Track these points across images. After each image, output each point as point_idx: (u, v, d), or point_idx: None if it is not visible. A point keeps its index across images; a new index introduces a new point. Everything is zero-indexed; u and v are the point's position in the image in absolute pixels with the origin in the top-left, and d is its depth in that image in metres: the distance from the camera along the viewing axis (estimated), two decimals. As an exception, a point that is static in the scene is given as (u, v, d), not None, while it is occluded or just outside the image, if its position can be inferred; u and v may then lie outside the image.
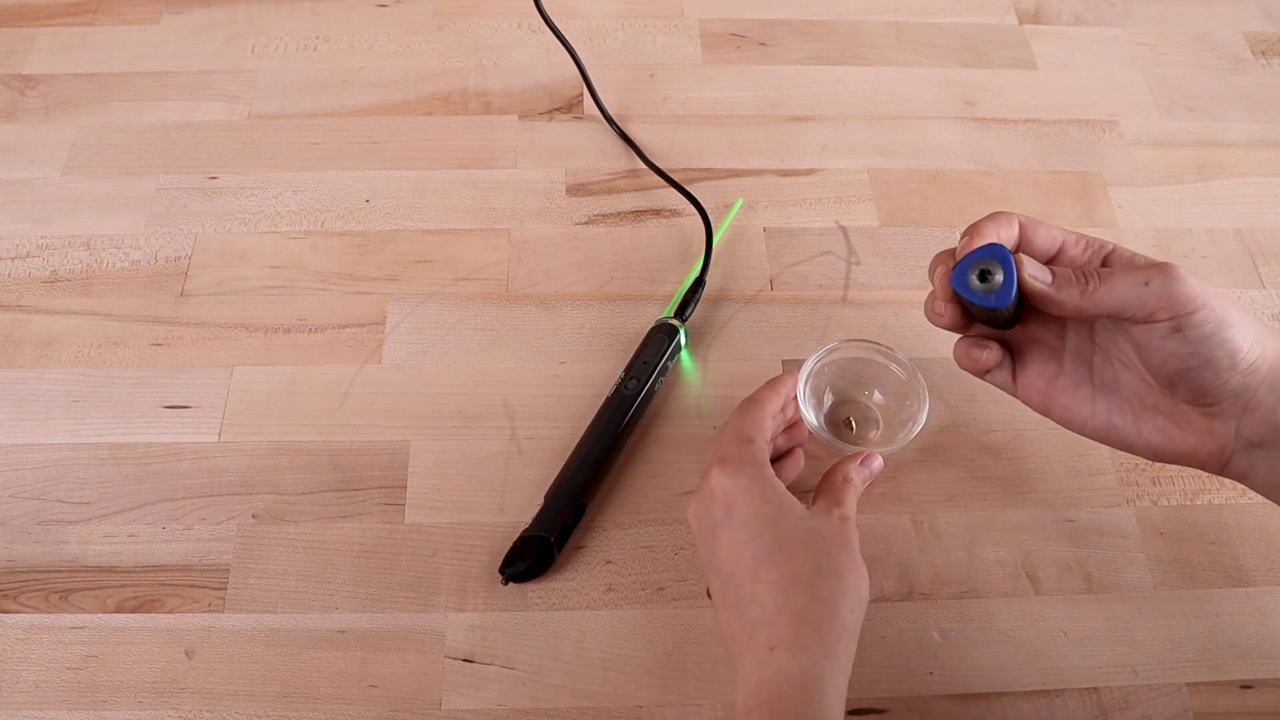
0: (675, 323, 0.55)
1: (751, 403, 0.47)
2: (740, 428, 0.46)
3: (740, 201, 0.63)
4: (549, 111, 0.67)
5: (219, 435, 0.53)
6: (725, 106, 0.68)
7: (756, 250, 0.61)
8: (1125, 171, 0.66)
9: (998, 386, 0.46)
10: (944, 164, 0.66)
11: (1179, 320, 0.39)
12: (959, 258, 0.41)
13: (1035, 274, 0.41)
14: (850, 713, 0.46)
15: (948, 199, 0.64)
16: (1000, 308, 0.41)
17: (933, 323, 0.44)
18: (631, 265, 0.60)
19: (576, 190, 0.63)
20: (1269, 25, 0.75)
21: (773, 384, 0.49)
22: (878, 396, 0.54)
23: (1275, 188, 0.65)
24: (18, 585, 0.48)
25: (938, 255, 0.43)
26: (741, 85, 0.69)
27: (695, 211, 0.61)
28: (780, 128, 0.67)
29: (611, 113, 0.66)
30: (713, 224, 0.60)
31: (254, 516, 0.51)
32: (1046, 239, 0.43)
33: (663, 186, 0.63)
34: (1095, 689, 0.47)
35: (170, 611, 0.48)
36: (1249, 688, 0.47)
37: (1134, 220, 0.63)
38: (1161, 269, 0.39)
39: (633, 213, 0.62)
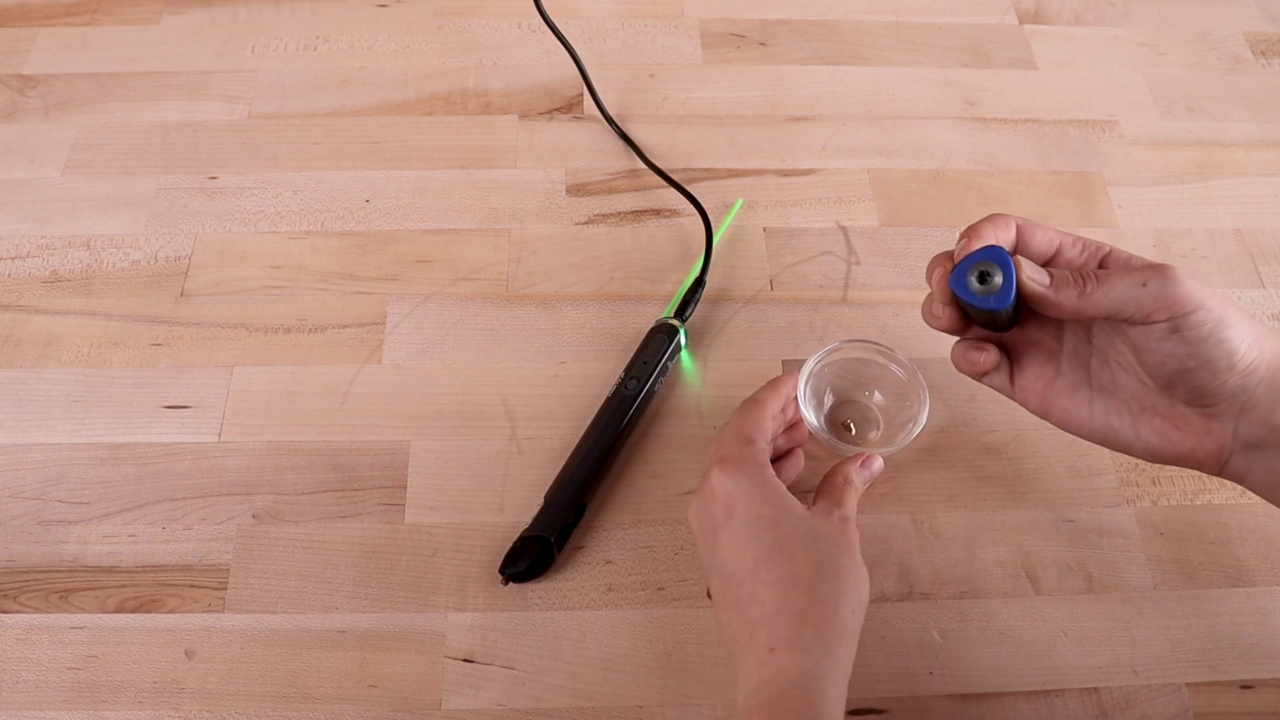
0: (675, 323, 0.55)
1: (752, 403, 0.47)
2: (741, 428, 0.46)
3: (740, 201, 0.63)
4: (549, 111, 0.67)
5: (219, 435, 0.53)
6: (725, 106, 0.68)
7: (756, 250, 0.61)
8: (1125, 171, 0.66)
9: (995, 389, 0.46)
10: (944, 164, 0.66)
11: (1176, 321, 0.39)
12: (957, 260, 0.41)
13: (1033, 276, 0.41)
14: (850, 713, 0.46)
15: (948, 199, 0.64)
16: (998, 310, 0.41)
17: (930, 324, 0.44)
18: (631, 265, 0.60)
19: (576, 190, 0.63)
20: (1269, 25, 0.75)
21: (773, 384, 0.49)
22: (878, 397, 0.54)
23: (1275, 188, 0.65)
24: (18, 585, 0.48)
25: (936, 257, 0.43)
26: (741, 85, 0.69)
27: (695, 211, 0.61)
28: (780, 128, 0.67)
29: (611, 113, 0.66)
30: (713, 224, 0.60)
31: (254, 516, 0.51)
32: (1043, 241, 0.43)
33: (663, 186, 0.63)
34: (1095, 689, 0.47)
35: (170, 611, 0.48)
36: (1249, 688, 0.47)
37: (1134, 220, 0.63)
38: (1158, 270, 0.39)
39: (633, 213, 0.62)
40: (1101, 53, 0.73)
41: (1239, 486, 0.43)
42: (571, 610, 0.48)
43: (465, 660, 0.47)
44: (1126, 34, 0.74)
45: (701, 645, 0.48)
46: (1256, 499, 0.51)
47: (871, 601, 0.45)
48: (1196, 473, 0.52)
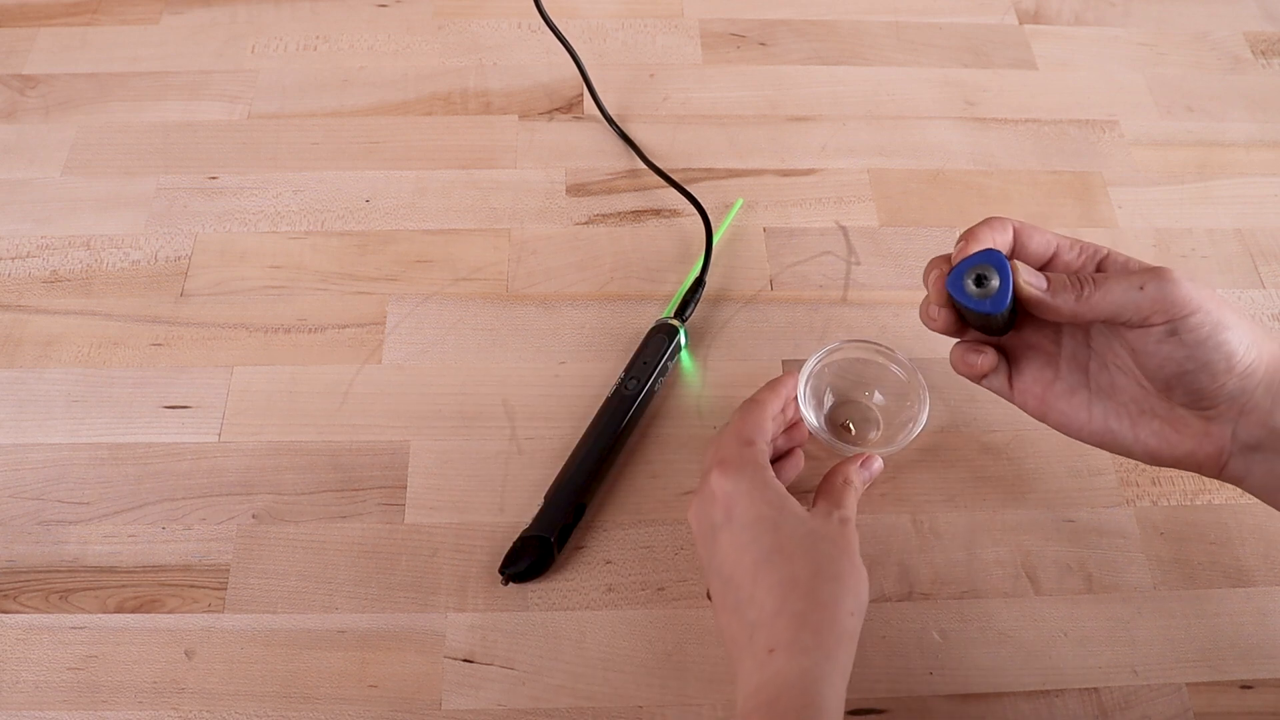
0: (675, 323, 0.55)
1: (752, 404, 0.47)
2: (740, 430, 0.46)
3: (740, 201, 0.63)
4: (549, 111, 0.67)
5: (219, 435, 0.53)
6: (725, 106, 0.68)
7: (756, 250, 0.61)
8: (1125, 171, 0.66)
9: (994, 392, 0.46)
10: (944, 164, 0.66)
11: (1174, 324, 0.39)
12: (954, 263, 0.41)
13: (1031, 280, 0.41)
14: (850, 713, 0.46)
15: (948, 199, 0.64)
16: (995, 313, 0.41)
17: (927, 326, 0.44)
18: (631, 265, 0.60)
19: (576, 190, 0.63)
20: (1269, 25, 0.75)
21: (773, 385, 0.49)
22: (878, 397, 0.54)
23: (1275, 188, 0.65)
24: (18, 585, 0.48)
25: (933, 260, 0.43)
26: (741, 85, 0.69)
27: (695, 211, 0.61)
28: (780, 128, 0.67)
29: (611, 113, 0.66)
30: (713, 224, 0.60)
31: (254, 516, 0.51)
32: (1040, 244, 0.43)
33: (663, 186, 0.63)
34: (1095, 689, 0.47)
35: (170, 611, 0.48)
36: (1249, 688, 0.47)
37: (1134, 220, 0.63)
38: (1156, 273, 0.39)
39: (633, 213, 0.62)
40: (1101, 53, 0.73)
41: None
42: (571, 610, 0.48)
43: (465, 660, 0.47)
44: (1126, 34, 0.74)
45: (701, 645, 0.48)
46: (1256, 499, 0.51)
47: (871, 601, 0.45)
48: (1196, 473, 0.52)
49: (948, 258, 0.43)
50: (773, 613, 0.40)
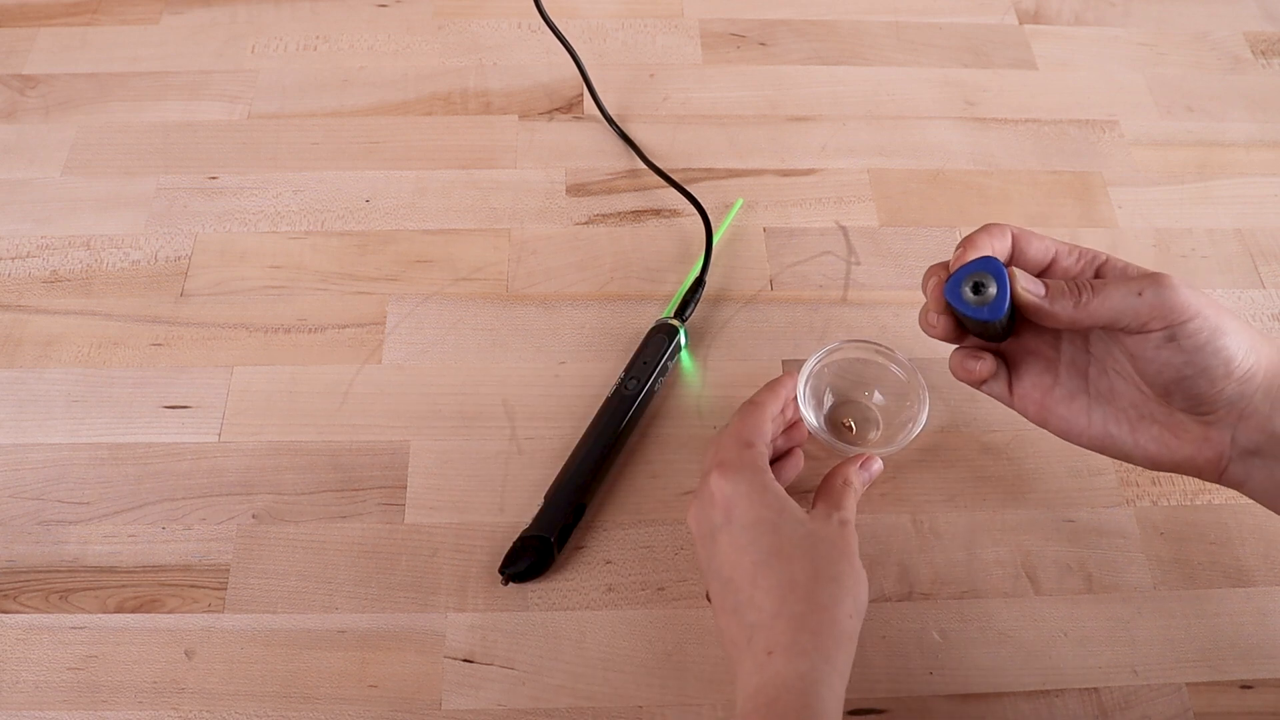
0: (675, 323, 0.55)
1: (751, 406, 0.47)
2: (740, 431, 0.46)
3: (740, 201, 0.63)
4: (549, 111, 0.67)
5: (219, 435, 0.53)
6: (725, 106, 0.68)
7: (756, 250, 0.61)
8: (1125, 171, 0.66)
9: (994, 397, 0.46)
10: (944, 164, 0.66)
11: (1173, 330, 0.39)
12: (952, 270, 0.41)
13: (1029, 287, 0.41)
14: (850, 713, 0.46)
15: (948, 199, 0.64)
16: (993, 320, 0.41)
17: (926, 333, 0.44)
18: (631, 265, 0.60)
19: (576, 190, 0.63)
20: (1269, 25, 0.75)
21: (772, 386, 0.49)
22: (878, 397, 0.54)
23: (1275, 188, 0.65)
24: (18, 585, 0.48)
25: (931, 268, 0.44)
26: (741, 85, 0.69)
27: (695, 211, 0.61)
28: (780, 128, 0.67)
29: (611, 113, 0.66)
30: (713, 224, 0.60)
31: (254, 516, 0.51)
32: (1039, 250, 0.43)
33: (663, 186, 0.63)
34: (1095, 689, 0.47)
35: (170, 611, 0.48)
36: (1249, 688, 0.47)
37: (1134, 220, 0.63)
38: (1154, 279, 0.39)
39: (633, 213, 0.62)
40: (1101, 53, 0.73)
41: (1238, 489, 0.43)
42: (571, 610, 0.48)
43: (465, 660, 0.47)
44: (1126, 34, 0.74)
45: (701, 645, 0.48)
46: (1256, 500, 0.51)
47: (871, 601, 0.45)
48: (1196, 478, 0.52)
49: (946, 264, 0.43)
50: (771, 615, 0.40)
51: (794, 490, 0.47)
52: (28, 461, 0.52)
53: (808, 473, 0.50)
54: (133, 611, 0.48)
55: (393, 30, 0.71)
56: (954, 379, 0.46)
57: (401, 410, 0.54)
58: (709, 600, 0.46)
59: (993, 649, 0.48)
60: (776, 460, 0.49)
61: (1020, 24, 0.74)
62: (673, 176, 0.63)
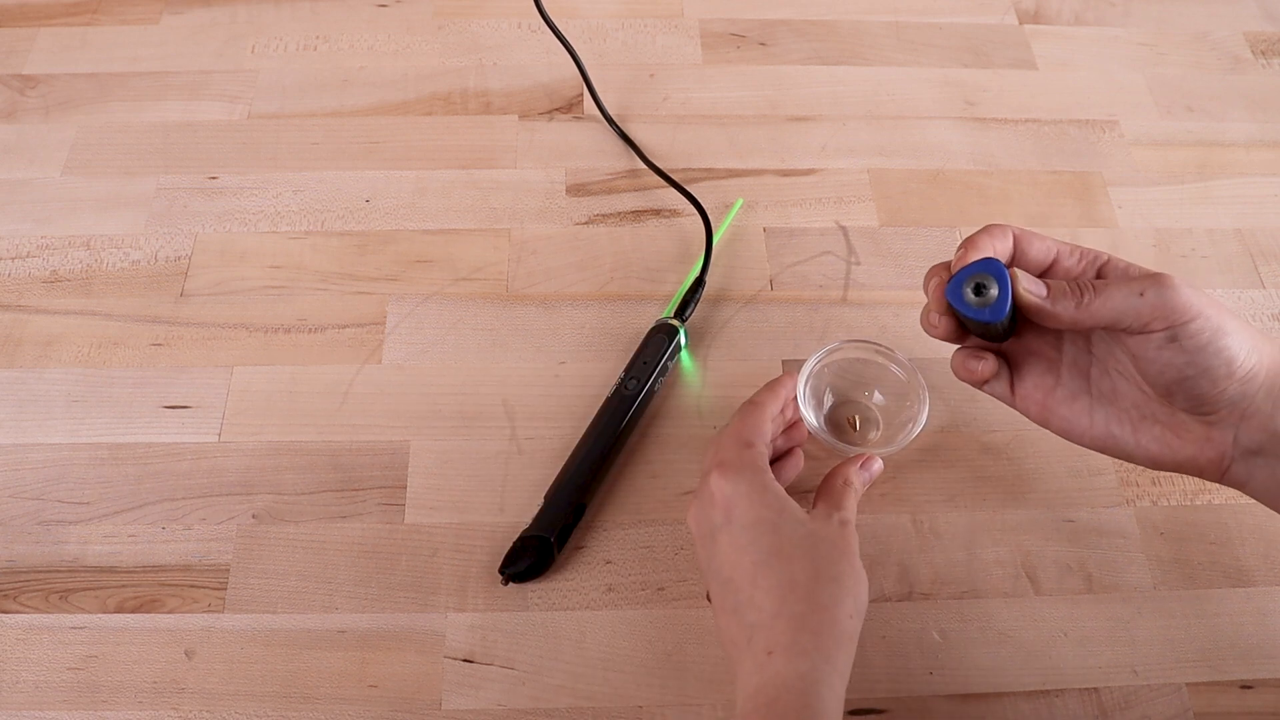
0: (675, 323, 0.55)
1: (751, 406, 0.47)
2: (740, 432, 0.46)
3: (740, 201, 0.63)
4: (549, 111, 0.67)
5: (219, 435, 0.53)
6: (725, 106, 0.68)
7: (756, 250, 0.61)
8: (1125, 171, 0.66)
9: (996, 397, 0.46)
10: (944, 164, 0.66)
11: (1175, 330, 0.39)
12: (953, 271, 0.41)
13: (1030, 288, 0.41)
14: (850, 713, 0.46)
15: (948, 199, 0.64)
16: (994, 322, 0.41)
17: (928, 333, 0.44)
18: (631, 265, 0.60)
19: (576, 190, 0.63)
20: (1269, 25, 0.75)
21: (772, 386, 0.49)
22: (878, 397, 0.54)
23: (1275, 188, 0.65)
24: (18, 585, 0.48)
25: (932, 268, 0.44)
26: (741, 85, 0.69)
27: (695, 211, 0.61)
28: (780, 128, 0.67)
29: (611, 113, 0.66)
30: (713, 224, 0.60)
31: (254, 516, 0.51)
32: (1041, 251, 0.43)
33: (663, 186, 0.63)
34: (1095, 689, 0.47)
35: (170, 611, 0.48)
36: (1249, 688, 0.47)
37: (1134, 220, 0.63)
38: (1156, 279, 0.39)
39: (633, 213, 0.62)
40: (1101, 53, 0.73)
41: (1239, 488, 0.43)
42: (571, 610, 0.48)
43: (465, 660, 0.47)
44: (1126, 34, 0.74)
45: (701, 645, 0.48)
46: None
47: (871, 601, 0.45)
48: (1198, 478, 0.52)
49: (947, 265, 0.43)
50: (772, 615, 0.40)
51: (794, 490, 0.47)
52: (28, 461, 0.52)
53: (808, 473, 0.50)
54: (133, 611, 0.48)
55: (393, 30, 0.71)
56: (954, 379, 0.46)
57: (401, 410, 0.54)
58: (709, 600, 0.46)
59: (993, 649, 0.48)
60: (776, 460, 0.49)
61: (1020, 24, 0.74)
62: (673, 176, 0.63)
